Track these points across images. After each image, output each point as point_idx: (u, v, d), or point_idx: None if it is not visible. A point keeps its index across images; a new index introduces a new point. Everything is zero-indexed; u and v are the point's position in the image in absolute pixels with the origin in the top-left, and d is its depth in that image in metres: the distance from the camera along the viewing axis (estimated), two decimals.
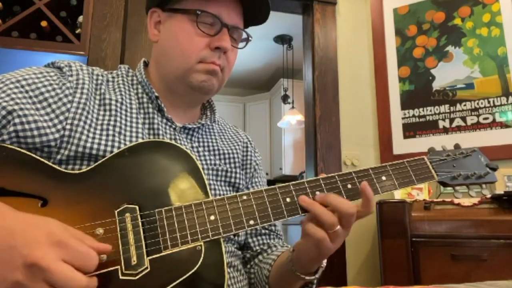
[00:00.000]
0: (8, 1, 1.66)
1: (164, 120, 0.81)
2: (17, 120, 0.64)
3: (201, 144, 0.87)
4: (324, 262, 0.74)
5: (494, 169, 0.80)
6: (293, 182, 0.70)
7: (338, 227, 0.65)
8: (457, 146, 0.84)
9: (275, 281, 0.81)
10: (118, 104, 0.77)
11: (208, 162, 0.84)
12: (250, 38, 0.86)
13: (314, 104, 2.09)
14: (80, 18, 1.71)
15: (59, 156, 0.68)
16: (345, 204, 0.65)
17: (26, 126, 0.65)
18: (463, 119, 1.96)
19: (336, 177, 0.71)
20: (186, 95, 0.83)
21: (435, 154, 0.80)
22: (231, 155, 0.91)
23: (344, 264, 1.94)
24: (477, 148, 0.83)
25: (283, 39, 4.18)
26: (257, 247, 0.91)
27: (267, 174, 4.88)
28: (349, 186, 0.71)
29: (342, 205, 0.65)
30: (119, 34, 1.77)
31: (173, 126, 0.82)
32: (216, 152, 0.88)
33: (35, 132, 0.65)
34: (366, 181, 0.70)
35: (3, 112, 0.64)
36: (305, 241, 0.69)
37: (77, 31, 1.72)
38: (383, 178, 0.73)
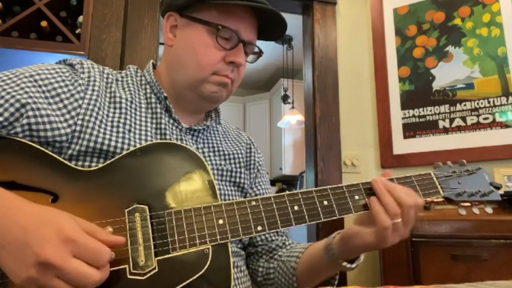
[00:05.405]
0: (8, 1, 1.65)
1: (171, 121, 0.82)
2: (30, 113, 0.65)
3: (206, 145, 0.88)
4: (362, 256, 0.76)
5: (498, 188, 0.81)
6: (302, 191, 0.70)
7: (400, 219, 0.67)
8: (462, 164, 0.85)
9: (305, 271, 0.82)
10: (128, 103, 0.78)
11: (213, 162, 0.86)
12: (261, 54, 0.87)
13: (314, 104, 2.09)
14: (80, 18, 1.71)
15: (70, 151, 0.68)
16: (404, 196, 0.68)
17: (39, 120, 0.65)
18: (463, 119, 1.96)
19: (344, 187, 0.72)
20: (194, 102, 0.85)
21: (440, 169, 0.81)
22: (235, 155, 0.92)
23: None
24: (482, 167, 0.84)
25: (283, 39, 4.18)
26: (266, 243, 0.93)
27: (267, 174, 4.88)
28: (356, 197, 0.71)
29: (403, 196, 0.68)
30: (119, 34, 1.77)
31: (179, 127, 0.83)
32: (221, 153, 0.90)
33: (47, 126, 0.66)
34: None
35: (17, 105, 0.64)
36: (365, 227, 0.71)
37: (77, 31, 1.71)
38: None
